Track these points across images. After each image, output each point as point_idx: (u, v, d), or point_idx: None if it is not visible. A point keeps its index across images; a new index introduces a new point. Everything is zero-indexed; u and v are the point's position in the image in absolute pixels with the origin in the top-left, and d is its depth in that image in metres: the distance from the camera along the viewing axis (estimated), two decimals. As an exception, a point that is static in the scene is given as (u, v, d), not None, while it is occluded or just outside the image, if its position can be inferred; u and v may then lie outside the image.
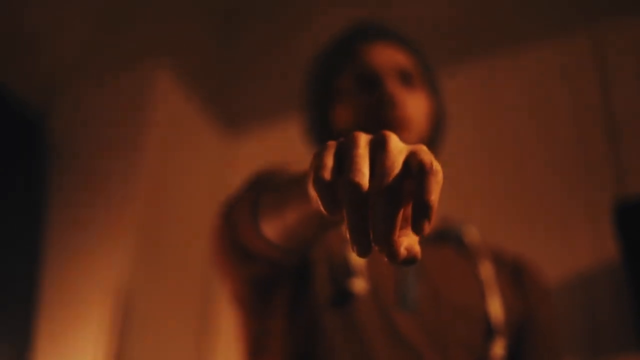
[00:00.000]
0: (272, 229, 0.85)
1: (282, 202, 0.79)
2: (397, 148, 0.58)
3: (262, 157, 2.39)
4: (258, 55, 2.85)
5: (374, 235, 0.55)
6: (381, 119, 1.22)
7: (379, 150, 0.58)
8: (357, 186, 0.55)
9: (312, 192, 0.64)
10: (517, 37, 2.34)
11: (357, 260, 1.13)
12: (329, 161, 0.59)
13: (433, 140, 1.31)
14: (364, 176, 0.56)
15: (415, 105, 1.26)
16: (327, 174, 0.58)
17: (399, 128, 1.22)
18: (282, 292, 1.14)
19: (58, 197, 2.14)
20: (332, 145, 0.61)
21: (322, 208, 0.58)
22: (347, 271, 1.13)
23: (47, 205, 2.13)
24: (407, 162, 0.57)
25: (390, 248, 0.55)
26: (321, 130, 1.33)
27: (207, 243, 2.25)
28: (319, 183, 0.57)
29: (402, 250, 0.55)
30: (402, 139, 1.22)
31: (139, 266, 2.00)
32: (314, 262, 1.14)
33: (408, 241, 0.57)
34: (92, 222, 2.07)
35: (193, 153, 2.34)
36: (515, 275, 1.27)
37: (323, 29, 2.60)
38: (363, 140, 0.59)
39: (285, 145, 2.31)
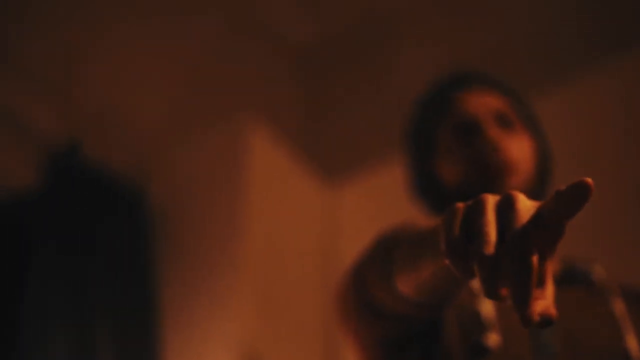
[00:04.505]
0: (407, 284, 0.86)
1: (416, 256, 0.80)
2: (525, 207, 0.59)
3: (365, 202, 2.41)
4: (350, 102, 2.87)
5: (511, 298, 0.56)
6: (486, 166, 1.22)
7: (507, 212, 0.59)
8: (486, 257, 0.56)
9: (445, 257, 0.65)
10: (610, 51, 2.29)
11: (488, 314, 1.12)
12: (458, 229, 0.60)
13: (541, 181, 1.30)
14: (492, 245, 0.57)
15: (518, 148, 1.26)
16: (457, 244, 0.59)
17: (505, 173, 1.22)
18: (413, 353, 1.14)
19: (168, 263, 2.20)
20: (459, 209, 0.62)
21: (455, 273, 0.59)
22: (480, 326, 1.12)
23: (159, 273, 2.18)
24: (537, 217, 0.58)
25: (524, 312, 0.55)
26: (426, 184, 1.33)
27: (320, 293, 2.28)
28: (450, 253, 0.59)
29: (536, 317, 0.56)
30: (509, 183, 1.22)
31: (259, 325, 2.03)
32: (444, 321, 1.14)
33: (543, 304, 0.58)
34: (206, 285, 2.11)
35: (296, 206, 2.38)
36: (648, 309, 1.23)
37: (411, 68, 2.63)
38: (490, 204, 0.60)
39: (387, 189, 2.31)
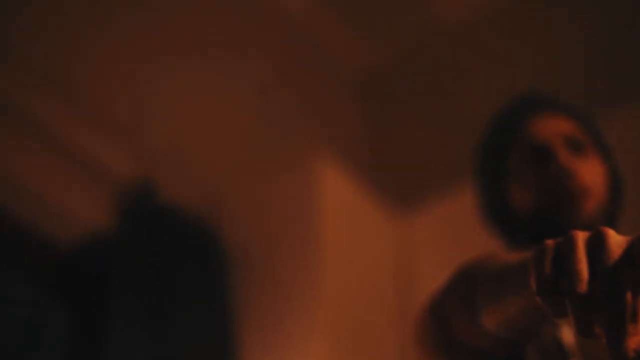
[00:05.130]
0: (493, 320, 0.86)
1: (501, 293, 0.80)
2: (616, 243, 0.59)
3: (438, 232, 2.40)
4: (418, 129, 2.86)
5: (604, 335, 0.56)
6: (559, 191, 1.23)
7: (598, 249, 0.59)
8: (579, 295, 0.57)
9: (536, 296, 0.65)
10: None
11: (569, 342, 1.11)
12: (549, 267, 0.61)
13: (614, 205, 1.29)
14: (585, 283, 0.58)
15: (590, 172, 1.26)
16: (548, 282, 0.60)
17: (579, 198, 1.22)
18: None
19: (242, 302, 2.21)
20: (550, 247, 0.63)
21: (546, 311, 0.60)
22: (562, 354, 1.11)
23: (234, 313, 2.20)
24: (629, 253, 0.58)
25: (618, 350, 0.56)
26: (497, 210, 1.33)
27: (397, 328, 2.26)
28: (542, 291, 0.60)
29: (631, 353, 0.57)
30: (583, 208, 1.22)
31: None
32: (523, 351, 1.13)
33: (637, 340, 0.57)
34: (281, 325, 2.12)
35: (369, 240, 2.37)
36: None
37: (479, 92, 2.62)
38: (580, 240, 0.61)
39: (460, 217, 2.30)
